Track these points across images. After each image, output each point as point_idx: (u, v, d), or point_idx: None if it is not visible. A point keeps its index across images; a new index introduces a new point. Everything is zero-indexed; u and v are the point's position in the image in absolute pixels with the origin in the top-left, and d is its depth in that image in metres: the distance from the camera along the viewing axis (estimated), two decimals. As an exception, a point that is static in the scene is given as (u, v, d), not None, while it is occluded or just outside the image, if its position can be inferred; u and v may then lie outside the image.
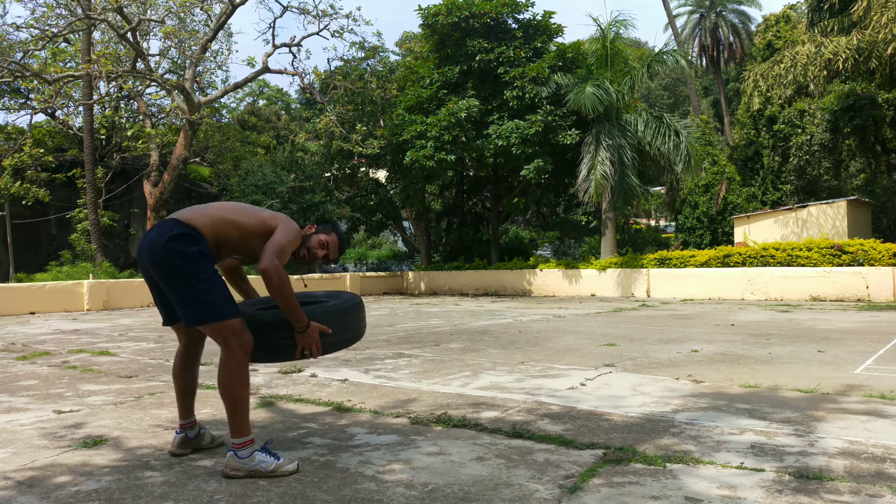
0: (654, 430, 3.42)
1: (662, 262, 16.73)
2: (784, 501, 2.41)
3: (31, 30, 18.41)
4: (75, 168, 23.19)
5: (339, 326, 3.03)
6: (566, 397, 4.29)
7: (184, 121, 21.12)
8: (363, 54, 22.81)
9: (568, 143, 17.92)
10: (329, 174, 23.95)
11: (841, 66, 16.35)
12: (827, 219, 18.78)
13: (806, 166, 22.65)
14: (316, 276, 20.69)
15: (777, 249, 15.22)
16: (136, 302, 15.46)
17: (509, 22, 20.03)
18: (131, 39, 19.23)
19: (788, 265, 14.88)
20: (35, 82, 19.33)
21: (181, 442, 3.11)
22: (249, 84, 26.63)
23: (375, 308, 14.12)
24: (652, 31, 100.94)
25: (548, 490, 2.55)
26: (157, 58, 24.91)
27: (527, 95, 18.00)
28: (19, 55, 18.55)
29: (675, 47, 29.01)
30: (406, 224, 26.25)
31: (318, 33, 21.55)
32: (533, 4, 19.58)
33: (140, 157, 24.38)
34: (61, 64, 22.46)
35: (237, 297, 3.17)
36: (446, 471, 2.81)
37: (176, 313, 2.97)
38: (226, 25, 21.74)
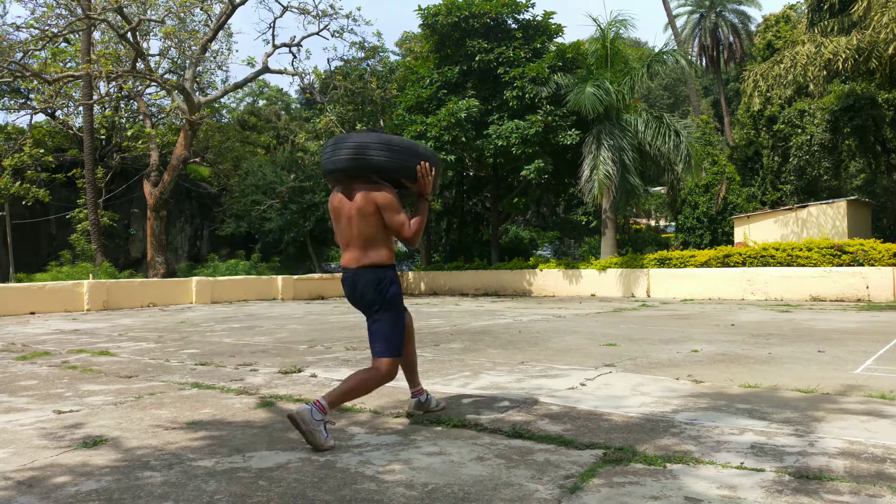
0: (654, 431, 3.42)
1: (662, 262, 16.73)
2: (784, 501, 2.41)
3: (31, 30, 18.42)
4: (75, 168, 23.20)
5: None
6: (566, 397, 4.29)
7: (184, 121, 21.13)
8: (363, 54, 22.85)
9: (568, 143, 17.92)
10: (329, 174, 23.90)
11: (841, 66, 16.35)
12: (827, 219, 18.77)
13: (806, 166, 22.65)
14: (316, 275, 20.70)
15: (777, 249, 15.21)
16: (136, 302, 15.46)
17: (509, 22, 20.02)
18: (131, 39, 19.24)
19: (788, 265, 14.88)
20: (35, 82, 19.35)
21: (416, 405, 3.86)
22: (249, 84, 26.65)
23: (375, 308, 14.10)
24: (652, 31, 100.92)
25: (548, 490, 2.55)
26: (157, 58, 24.94)
27: (527, 95, 18.00)
28: (19, 55, 18.56)
29: (675, 47, 29.03)
30: (406, 224, 26.20)
31: (318, 33, 21.57)
32: (533, 5, 19.58)
33: (140, 157, 24.39)
34: (61, 64, 22.47)
35: None
36: (446, 471, 2.81)
37: None
38: (226, 25, 21.75)
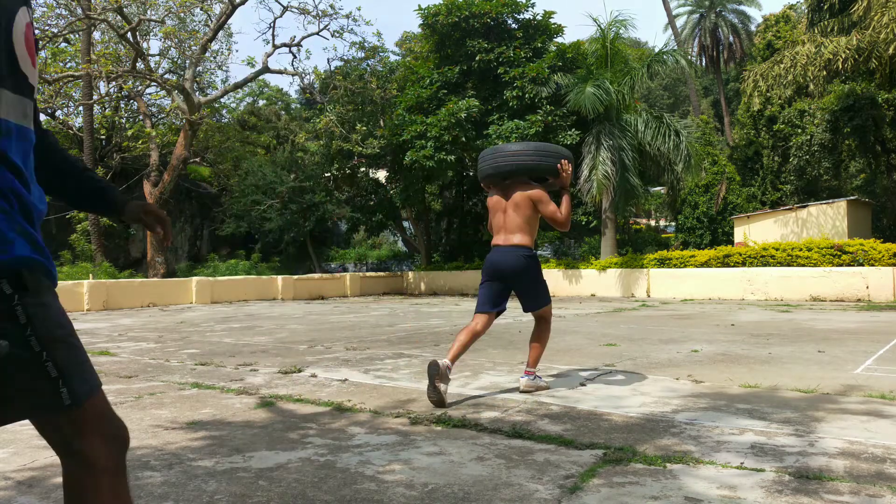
0: (654, 431, 3.42)
1: (662, 262, 16.73)
2: (784, 501, 2.41)
3: (31, 30, 18.37)
4: (75, 168, 23.17)
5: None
6: (566, 397, 4.29)
7: (184, 121, 21.13)
8: (363, 54, 22.83)
9: (568, 143, 17.91)
10: (329, 174, 23.95)
11: (841, 66, 16.35)
12: (827, 219, 18.77)
13: (806, 166, 22.65)
14: (316, 275, 20.69)
15: (777, 249, 15.21)
16: (136, 302, 15.46)
17: (509, 22, 20.03)
18: (131, 39, 19.23)
19: (788, 265, 14.87)
20: (35, 82, 19.30)
21: (445, 370, 4.10)
22: (249, 84, 26.65)
23: (375, 308, 14.13)
24: (652, 31, 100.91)
25: (548, 490, 2.55)
26: (157, 58, 24.93)
27: (527, 95, 18.00)
28: (19, 55, 18.50)
29: (675, 47, 29.02)
30: (406, 224, 26.24)
31: (318, 33, 21.56)
32: (533, 5, 19.59)
33: (140, 157, 24.39)
34: (61, 64, 22.45)
35: None
36: (446, 471, 2.81)
37: (500, 304, 4.44)
38: (226, 25, 21.74)
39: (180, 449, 3.23)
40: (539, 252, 27.79)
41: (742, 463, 2.85)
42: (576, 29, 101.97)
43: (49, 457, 3.12)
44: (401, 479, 2.71)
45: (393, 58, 29.91)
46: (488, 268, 4.40)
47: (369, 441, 3.32)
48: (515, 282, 4.38)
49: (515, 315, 11.28)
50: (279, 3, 21.31)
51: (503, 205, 4.38)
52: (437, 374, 3.98)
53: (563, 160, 4.35)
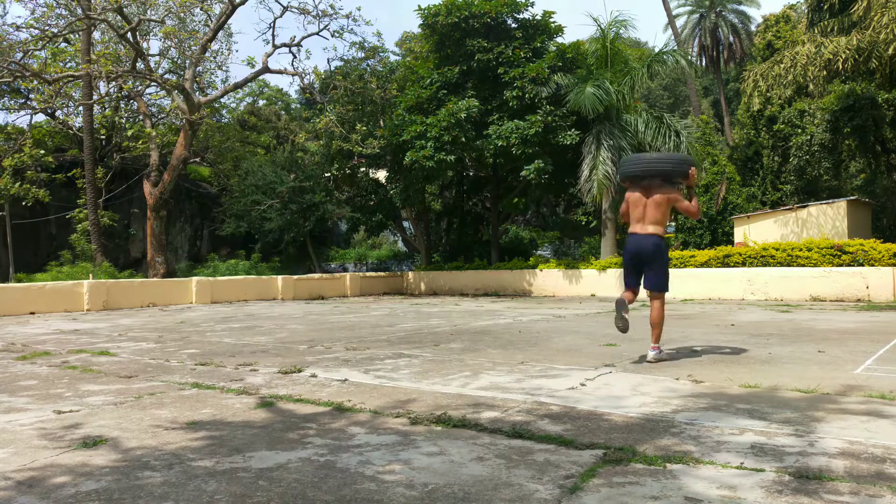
0: (654, 431, 3.42)
1: (662, 263, 16.71)
2: (784, 502, 2.41)
3: (31, 30, 18.40)
4: (75, 168, 23.20)
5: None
6: (566, 397, 4.29)
7: (184, 121, 21.13)
8: (363, 54, 22.84)
9: (568, 143, 17.92)
10: (329, 174, 23.95)
11: (841, 67, 16.34)
12: (827, 219, 18.76)
13: (806, 166, 22.64)
14: (316, 275, 20.70)
15: (777, 249, 15.21)
16: (135, 302, 15.45)
17: (509, 22, 20.03)
18: (131, 39, 19.23)
19: (788, 265, 14.87)
20: (35, 82, 19.33)
21: (654, 356, 5.66)
22: (249, 84, 26.66)
23: (375, 308, 14.13)
24: (652, 31, 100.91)
25: (548, 490, 2.55)
26: (157, 58, 24.93)
27: (527, 95, 17.99)
28: (19, 55, 18.54)
29: (675, 47, 29.00)
30: (406, 224, 26.25)
31: (318, 33, 21.57)
32: (532, 4, 19.58)
33: (140, 157, 24.39)
34: (61, 64, 22.47)
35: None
36: (446, 471, 2.81)
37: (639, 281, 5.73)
38: (226, 25, 21.75)
39: (180, 449, 3.23)
40: (539, 252, 27.77)
41: (742, 463, 2.85)
42: (576, 29, 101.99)
43: (49, 457, 3.12)
44: (401, 479, 2.71)
45: (393, 58, 29.93)
46: (628, 251, 5.69)
47: (369, 441, 3.31)
48: (648, 262, 5.60)
49: (515, 315, 11.29)
50: (279, 3, 21.33)
51: (644, 201, 5.63)
52: (623, 307, 5.55)
53: (692, 167, 5.68)
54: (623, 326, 5.52)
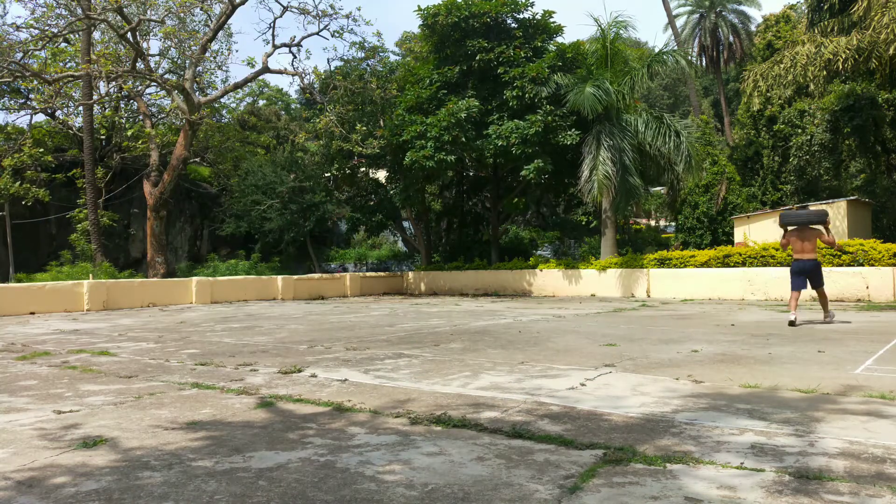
0: (654, 431, 3.41)
1: (662, 263, 16.72)
2: (784, 502, 2.40)
3: (31, 30, 18.40)
4: (75, 168, 23.19)
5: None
6: (566, 397, 4.29)
7: (184, 121, 21.13)
8: (363, 54, 22.83)
9: (568, 143, 17.91)
10: (329, 174, 23.94)
11: (841, 67, 16.34)
12: (827, 219, 18.74)
13: (806, 166, 22.63)
14: (316, 275, 20.69)
15: (777, 249, 15.20)
16: (135, 302, 15.45)
17: (509, 22, 20.02)
18: (131, 39, 19.23)
19: (788, 265, 14.84)
20: (35, 82, 19.34)
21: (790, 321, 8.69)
22: (249, 84, 26.64)
23: (375, 308, 14.13)
24: (652, 31, 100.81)
25: (548, 490, 2.55)
26: (157, 58, 24.93)
27: (527, 95, 17.99)
28: (19, 55, 18.54)
29: (675, 47, 29.02)
30: (406, 224, 26.24)
31: (318, 33, 21.57)
32: (532, 4, 19.57)
33: (140, 157, 24.38)
34: (61, 64, 22.46)
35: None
36: (446, 471, 2.81)
37: (805, 285, 9.03)
38: (226, 25, 21.75)
39: (180, 449, 3.23)
40: (539, 252, 27.88)
41: (742, 463, 2.84)
42: (576, 29, 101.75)
43: (49, 457, 3.12)
44: (401, 480, 2.71)
45: (393, 58, 29.94)
46: (797, 269, 8.96)
47: (369, 441, 3.31)
48: (811, 274, 8.92)
49: (515, 315, 11.28)
50: (279, 3, 21.33)
51: (803, 237, 8.94)
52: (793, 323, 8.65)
53: (827, 217, 8.90)
54: (794, 319, 8.71)
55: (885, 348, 6.43)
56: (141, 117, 24.80)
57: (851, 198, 20.15)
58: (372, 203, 23.44)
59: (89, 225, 21.30)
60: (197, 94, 22.09)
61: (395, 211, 23.17)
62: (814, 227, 8.91)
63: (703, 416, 3.72)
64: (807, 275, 8.89)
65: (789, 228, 8.99)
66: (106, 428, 3.67)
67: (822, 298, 9.08)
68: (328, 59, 52.00)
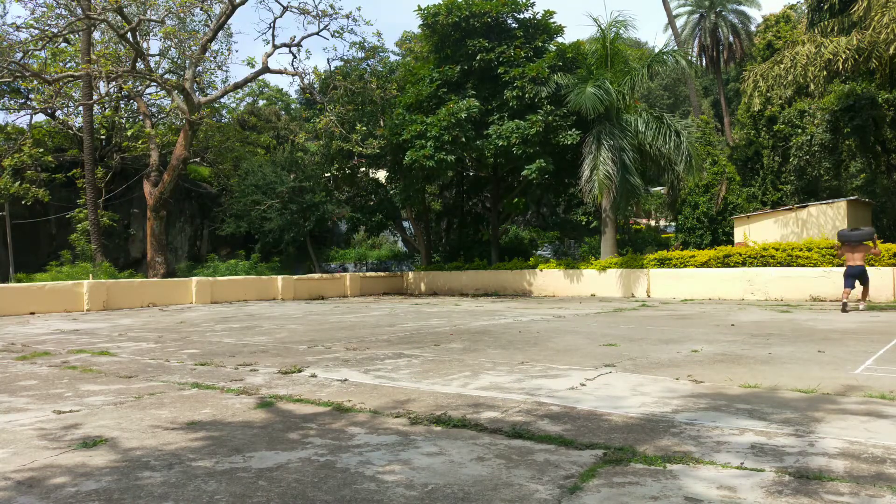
0: (654, 431, 3.41)
1: (662, 263, 16.72)
2: (784, 502, 2.40)
3: (31, 30, 18.40)
4: (75, 168, 23.19)
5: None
6: (566, 398, 4.29)
7: (184, 121, 21.13)
8: (363, 54, 22.83)
9: (568, 143, 17.91)
10: (329, 174, 23.94)
11: (841, 67, 16.33)
12: (827, 219, 18.75)
13: (806, 166, 22.63)
14: (316, 276, 20.69)
15: (777, 249, 15.21)
16: (135, 302, 15.45)
17: (509, 21, 20.02)
18: (131, 39, 19.23)
19: (788, 265, 14.88)
20: (35, 82, 19.33)
21: (842, 308, 11.22)
22: (249, 84, 26.64)
23: (375, 308, 14.13)
24: (652, 31, 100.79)
25: (548, 490, 2.55)
26: (157, 58, 24.92)
27: (527, 95, 17.99)
28: (19, 55, 18.54)
29: (675, 47, 28.99)
30: (406, 224, 26.24)
31: (318, 33, 21.57)
32: (533, 4, 19.56)
33: (140, 157, 24.38)
34: (61, 64, 22.46)
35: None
36: (446, 471, 2.81)
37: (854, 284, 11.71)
38: (226, 25, 21.74)
39: (180, 449, 3.23)
40: (539, 252, 27.87)
41: (742, 463, 2.84)
42: (576, 29, 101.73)
43: (49, 457, 3.12)
44: (401, 480, 2.71)
45: (393, 58, 29.93)
46: (849, 272, 11.38)
47: (369, 441, 3.31)
48: (859, 276, 11.40)
49: (515, 315, 11.29)
50: (279, 3, 21.32)
51: (854, 248, 11.37)
52: (845, 309, 11.02)
53: (874, 234, 11.60)
54: (845, 309, 10.91)
55: (884, 348, 6.43)
56: (141, 117, 24.80)
57: (851, 198, 20.15)
58: (372, 203, 23.44)
59: (89, 225, 21.30)
60: (197, 94, 22.08)
61: (395, 211, 23.17)
62: (862, 242, 11.53)
63: (703, 416, 3.72)
64: (856, 277, 11.39)
65: (843, 243, 11.64)
66: (106, 428, 3.67)
67: (865, 292, 11.80)
68: (328, 59, 52.02)
